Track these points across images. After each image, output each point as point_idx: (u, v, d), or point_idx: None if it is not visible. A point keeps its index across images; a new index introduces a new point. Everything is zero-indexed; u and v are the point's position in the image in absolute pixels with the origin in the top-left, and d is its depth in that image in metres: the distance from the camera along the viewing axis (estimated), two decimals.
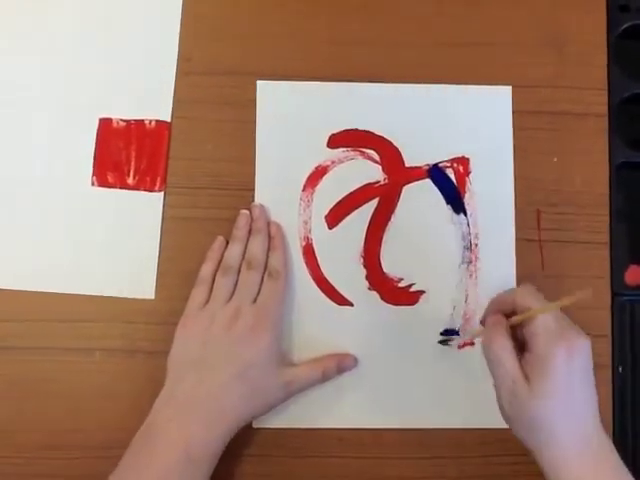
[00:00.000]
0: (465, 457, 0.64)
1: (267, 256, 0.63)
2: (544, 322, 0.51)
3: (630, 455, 0.66)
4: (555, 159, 0.68)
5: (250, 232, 0.64)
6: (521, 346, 0.54)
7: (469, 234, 0.66)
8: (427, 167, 0.66)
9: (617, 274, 0.68)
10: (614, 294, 0.67)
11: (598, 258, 0.67)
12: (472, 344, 0.65)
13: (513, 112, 0.67)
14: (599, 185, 0.67)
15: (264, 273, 0.62)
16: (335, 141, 0.65)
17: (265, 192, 0.65)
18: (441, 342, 0.65)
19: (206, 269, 0.63)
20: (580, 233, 0.66)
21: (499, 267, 0.65)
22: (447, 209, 0.66)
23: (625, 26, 0.70)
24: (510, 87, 0.67)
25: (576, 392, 0.51)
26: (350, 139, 0.65)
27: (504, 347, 0.52)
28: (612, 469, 0.51)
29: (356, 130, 0.65)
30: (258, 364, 0.58)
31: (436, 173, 0.66)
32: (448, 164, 0.66)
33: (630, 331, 0.69)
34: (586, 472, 0.50)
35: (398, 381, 0.64)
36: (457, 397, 0.64)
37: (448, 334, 0.65)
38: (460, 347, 0.65)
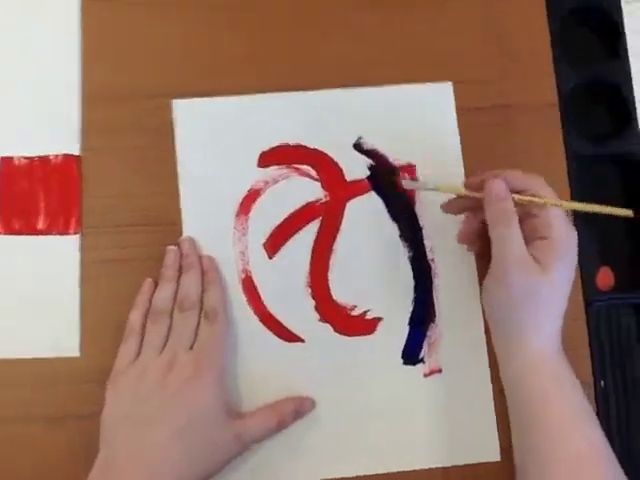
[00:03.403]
0: None
1: (202, 295, 0.56)
2: (560, 213, 0.52)
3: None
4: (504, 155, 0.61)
5: (180, 270, 0.56)
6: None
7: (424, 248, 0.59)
8: (370, 179, 0.59)
9: (588, 279, 0.62)
10: (587, 302, 0.61)
11: None
12: (439, 371, 0.58)
13: (459, 109, 0.61)
14: (558, 181, 0.61)
15: (200, 314, 0.55)
16: (266, 159, 0.59)
17: (194, 223, 0.58)
18: (405, 363, 0.58)
19: (134, 316, 0.56)
20: None
21: (461, 281, 0.59)
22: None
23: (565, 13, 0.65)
24: (450, 83, 0.61)
25: (569, 285, 0.53)
26: (282, 155, 0.59)
27: (515, 223, 0.51)
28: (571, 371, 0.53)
29: (287, 145, 0.59)
30: (200, 419, 0.51)
31: (379, 185, 0.59)
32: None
33: (609, 339, 0.63)
34: (557, 359, 0.52)
35: (361, 420, 0.57)
36: (427, 433, 0.57)
37: (411, 362, 0.58)
38: (426, 375, 0.58)
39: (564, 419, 0.50)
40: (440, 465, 0.57)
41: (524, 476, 0.51)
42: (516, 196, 0.52)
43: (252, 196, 0.58)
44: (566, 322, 0.56)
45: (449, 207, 0.56)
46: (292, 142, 0.59)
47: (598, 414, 0.60)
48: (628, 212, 0.53)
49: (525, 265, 0.51)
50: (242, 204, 0.58)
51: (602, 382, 0.61)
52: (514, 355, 0.53)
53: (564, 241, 0.51)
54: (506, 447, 0.56)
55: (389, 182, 0.60)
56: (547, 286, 0.51)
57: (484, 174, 0.53)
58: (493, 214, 0.52)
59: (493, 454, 0.57)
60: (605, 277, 0.65)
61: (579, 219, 0.60)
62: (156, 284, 0.57)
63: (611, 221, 0.58)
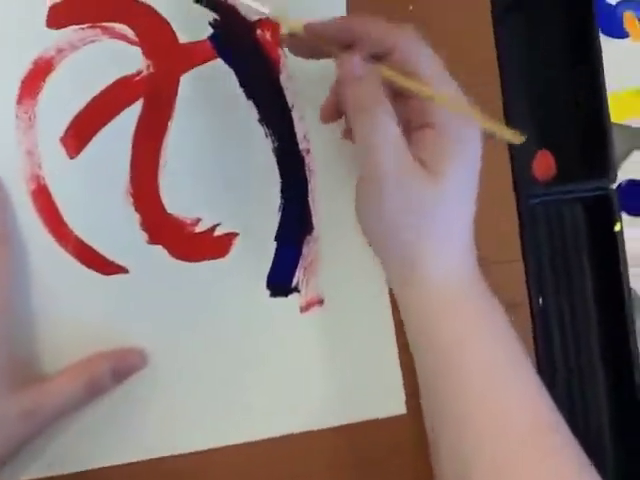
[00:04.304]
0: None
1: None
2: (449, 82, 0.37)
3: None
4: (411, 7, 0.44)
5: None
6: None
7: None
8: (214, 40, 0.41)
9: (521, 167, 0.46)
10: (520, 197, 0.45)
11: (492, 147, 0.44)
12: (320, 303, 0.42)
13: None
14: (478, 40, 0.44)
15: None
16: (58, 15, 0.41)
17: None
18: (273, 294, 0.43)
19: None
20: None
21: (349, 179, 0.42)
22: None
23: None
24: None
25: (473, 191, 0.37)
26: (84, 9, 0.41)
27: (387, 111, 0.36)
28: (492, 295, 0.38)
29: None
30: None
31: (228, 48, 0.41)
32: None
33: (549, 244, 0.48)
34: (471, 285, 0.38)
35: (215, 377, 0.42)
36: (310, 385, 0.42)
37: (281, 292, 0.42)
38: (303, 309, 0.42)
39: (485, 370, 0.35)
40: (329, 425, 0.43)
41: (437, 452, 0.37)
42: (383, 68, 0.36)
43: (40, 70, 0.40)
44: (490, 225, 0.42)
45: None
46: None
47: (535, 340, 0.46)
48: (518, 138, 0.36)
49: (403, 171, 0.35)
50: (25, 83, 0.40)
51: (540, 299, 0.47)
52: (408, 289, 0.38)
53: (457, 129, 0.36)
54: (413, 396, 0.42)
55: (242, 43, 0.42)
56: (438, 198, 0.36)
57: (331, 23, 0.37)
58: (350, 99, 0.36)
59: (397, 406, 0.43)
60: (544, 163, 0.50)
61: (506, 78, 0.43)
62: None
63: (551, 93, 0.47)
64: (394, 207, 0.36)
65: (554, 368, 0.49)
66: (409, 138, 0.36)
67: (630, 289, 0.47)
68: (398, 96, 0.37)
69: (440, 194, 0.36)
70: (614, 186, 0.48)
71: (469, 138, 0.36)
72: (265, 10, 0.38)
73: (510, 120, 0.47)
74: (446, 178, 0.36)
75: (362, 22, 0.37)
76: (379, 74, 0.36)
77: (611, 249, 0.48)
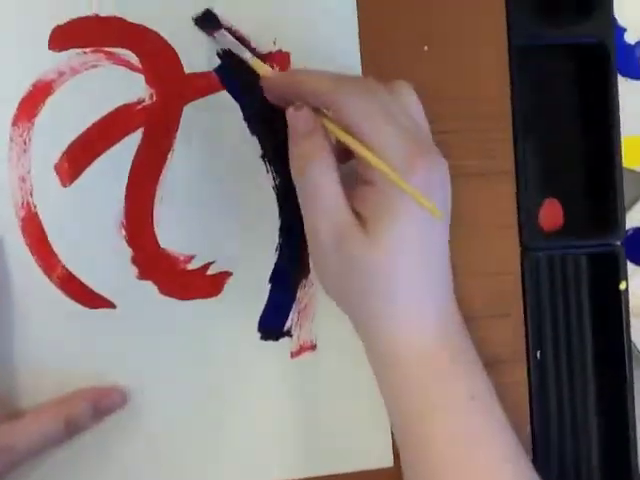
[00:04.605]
0: None
1: None
2: (387, 141, 0.34)
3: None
4: (425, 47, 0.43)
5: None
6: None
7: None
8: (220, 72, 0.40)
9: (527, 217, 0.45)
10: (524, 249, 0.44)
11: (499, 195, 0.43)
12: (312, 349, 0.41)
13: None
14: (493, 82, 0.43)
15: None
16: (62, 38, 0.39)
17: None
18: (264, 337, 0.41)
19: None
20: (470, 160, 0.43)
21: None
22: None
23: None
24: None
25: (435, 238, 0.36)
26: (88, 33, 0.40)
27: (326, 170, 0.35)
28: (466, 360, 0.37)
29: (97, 17, 0.39)
30: None
31: (235, 80, 0.40)
32: None
33: (550, 296, 0.47)
34: (435, 353, 0.36)
35: (199, 421, 0.40)
36: (296, 434, 0.41)
37: (272, 335, 0.41)
38: (294, 354, 0.41)
39: (447, 444, 0.34)
40: (314, 474, 0.42)
41: None
42: (325, 120, 0.35)
43: (39, 93, 0.39)
44: (491, 276, 0.43)
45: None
46: (104, 13, 0.39)
47: (531, 394, 0.45)
48: (432, 208, 0.34)
49: (341, 236, 0.35)
50: (23, 105, 0.39)
51: (538, 353, 0.45)
52: (369, 354, 0.37)
53: (392, 189, 0.34)
54: None
55: (249, 77, 0.41)
56: (377, 258, 0.34)
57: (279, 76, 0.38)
58: (294, 155, 0.36)
59: (385, 458, 0.42)
60: (552, 213, 0.48)
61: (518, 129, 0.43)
62: None
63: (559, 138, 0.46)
64: (336, 271, 0.35)
65: (548, 423, 0.48)
66: (354, 193, 0.35)
67: (631, 349, 0.46)
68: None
69: (379, 254, 0.34)
70: (621, 242, 0.46)
71: (405, 197, 0.35)
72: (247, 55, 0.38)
73: (518, 165, 0.46)
74: (385, 236, 0.34)
75: (305, 76, 0.36)
76: (323, 130, 0.35)
77: (614, 306, 0.46)
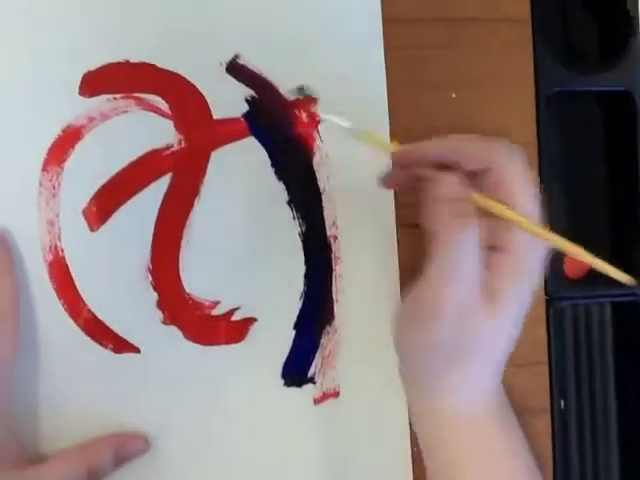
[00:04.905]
0: None
1: None
2: (535, 207, 0.34)
3: None
4: (453, 95, 0.43)
5: None
6: None
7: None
8: (248, 118, 0.40)
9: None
10: (550, 300, 0.44)
11: None
12: (336, 396, 0.41)
13: (387, 20, 0.42)
14: (521, 129, 0.43)
15: None
16: (93, 83, 0.39)
17: None
18: (288, 384, 0.41)
19: None
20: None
21: (374, 270, 0.41)
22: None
23: None
24: None
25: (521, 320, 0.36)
26: (118, 79, 0.40)
27: (473, 239, 0.34)
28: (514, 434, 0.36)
29: (127, 63, 0.39)
30: None
31: (263, 126, 0.40)
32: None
33: (574, 348, 0.46)
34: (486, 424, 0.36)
35: (223, 467, 0.40)
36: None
37: (296, 382, 0.41)
38: (317, 401, 0.41)
39: None
40: None
41: None
42: (476, 196, 0.34)
43: (69, 138, 0.39)
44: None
45: (388, 181, 0.39)
46: (134, 59, 0.40)
47: (554, 446, 0.44)
48: (627, 279, 0.34)
49: (467, 308, 0.34)
50: (53, 150, 0.39)
51: (562, 402, 0.45)
52: (426, 413, 0.36)
53: (532, 257, 0.35)
54: None
55: (277, 123, 0.41)
56: (494, 328, 0.35)
57: (424, 144, 0.36)
58: (438, 215, 0.34)
59: None
60: (577, 260, 0.47)
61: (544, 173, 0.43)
62: None
63: (585, 185, 0.46)
64: (446, 338, 0.34)
65: (569, 473, 0.47)
66: (484, 258, 0.34)
67: None
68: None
69: (498, 324, 0.34)
70: None
71: (537, 264, 0.35)
72: (346, 124, 0.37)
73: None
74: (508, 309, 0.34)
75: (461, 141, 0.36)
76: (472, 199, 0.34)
77: (637, 355, 0.46)
